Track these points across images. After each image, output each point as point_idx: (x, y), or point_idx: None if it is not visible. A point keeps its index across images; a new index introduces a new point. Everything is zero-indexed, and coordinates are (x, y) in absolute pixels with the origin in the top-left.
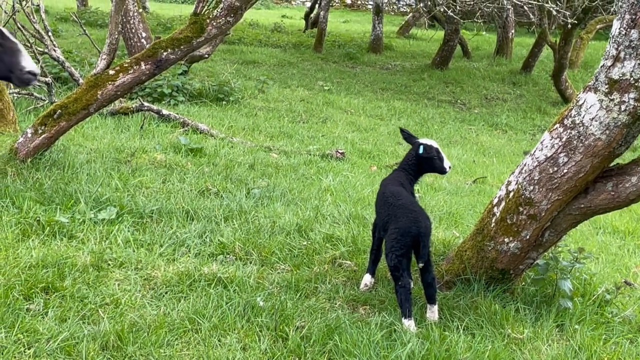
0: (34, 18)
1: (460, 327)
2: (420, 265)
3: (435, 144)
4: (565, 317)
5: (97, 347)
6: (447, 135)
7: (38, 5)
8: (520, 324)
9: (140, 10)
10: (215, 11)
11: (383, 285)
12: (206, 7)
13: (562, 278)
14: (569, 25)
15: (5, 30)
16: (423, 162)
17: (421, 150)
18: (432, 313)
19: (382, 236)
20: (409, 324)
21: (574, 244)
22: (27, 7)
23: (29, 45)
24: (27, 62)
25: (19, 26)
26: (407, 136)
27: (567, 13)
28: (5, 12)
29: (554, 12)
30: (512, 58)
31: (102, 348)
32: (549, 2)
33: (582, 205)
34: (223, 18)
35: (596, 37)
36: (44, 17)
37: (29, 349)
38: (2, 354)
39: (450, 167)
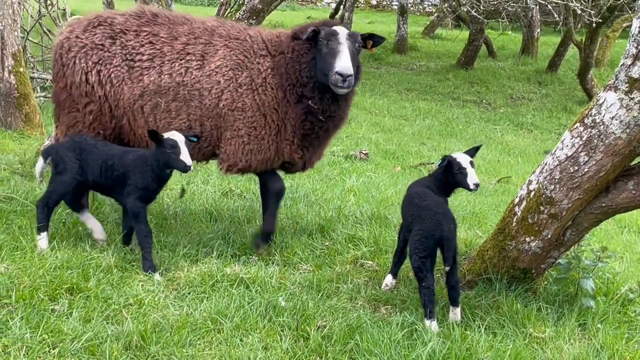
0: (60, 22)
1: (481, 326)
2: (447, 268)
3: (462, 158)
4: (587, 316)
5: (120, 347)
6: (472, 135)
7: (64, 10)
8: (542, 323)
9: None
10: (238, 14)
11: (405, 285)
12: (229, 10)
13: (585, 277)
14: (594, 24)
15: (340, 31)
16: (448, 173)
17: (439, 161)
18: (455, 315)
19: (406, 237)
20: (431, 324)
21: (597, 243)
22: (54, 11)
23: None
24: (339, 62)
25: (45, 30)
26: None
27: (592, 12)
28: (31, 16)
29: (579, 11)
30: (538, 57)
31: (126, 348)
32: (574, 1)
33: (604, 204)
34: (245, 20)
35: (622, 36)
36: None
37: (53, 348)
38: (28, 353)
39: (476, 185)
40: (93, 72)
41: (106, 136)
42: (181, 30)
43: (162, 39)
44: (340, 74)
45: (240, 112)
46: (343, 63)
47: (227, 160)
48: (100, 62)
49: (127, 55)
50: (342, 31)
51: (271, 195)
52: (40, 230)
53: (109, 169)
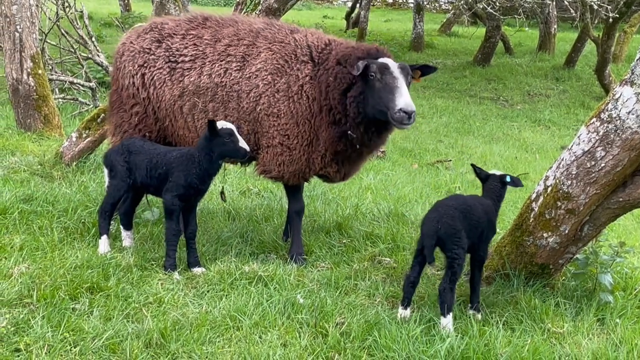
0: (77, 24)
1: (499, 322)
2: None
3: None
4: (606, 311)
5: (141, 345)
6: (489, 132)
7: (81, 12)
8: (560, 318)
9: (182, 13)
10: (254, 14)
11: (422, 281)
12: (244, 10)
13: (603, 272)
14: (611, 19)
15: (391, 64)
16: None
17: (508, 179)
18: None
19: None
20: (402, 311)
21: (615, 238)
22: (71, 13)
23: (72, 50)
24: (400, 99)
25: (63, 32)
26: (479, 171)
27: (609, 7)
28: (49, 18)
29: (596, 7)
30: (555, 53)
31: (146, 346)
32: None
33: (621, 199)
34: None
35: None
36: (87, 23)
37: (75, 347)
38: (50, 352)
39: None
40: (138, 75)
41: (152, 138)
42: (225, 32)
43: (206, 41)
44: (405, 111)
45: (275, 118)
46: (405, 99)
47: (263, 166)
48: (145, 65)
49: (170, 57)
50: (392, 64)
51: (291, 214)
52: (100, 235)
53: (153, 168)
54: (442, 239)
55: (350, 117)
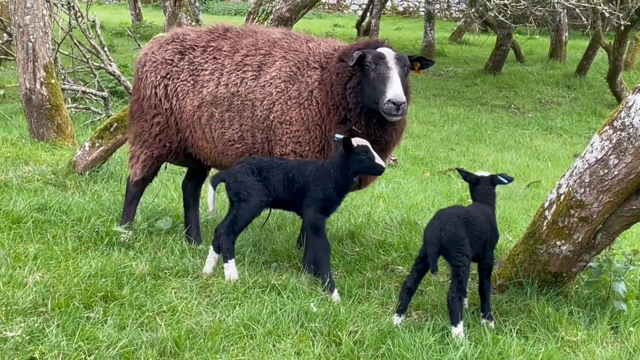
0: (90, 34)
1: (513, 330)
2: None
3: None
4: (619, 319)
5: (155, 353)
6: (501, 140)
7: (94, 21)
8: (573, 326)
9: (194, 23)
10: (266, 23)
11: (435, 289)
12: (256, 19)
13: (616, 280)
14: (623, 27)
15: (387, 53)
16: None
17: (499, 178)
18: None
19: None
20: (396, 318)
21: (629, 246)
22: (83, 23)
23: (85, 60)
24: (390, 90)
25: (76, 42)
26: (466, 174)
27: (621, 15)
28: (62, 28)
29: (607, 14)
30: (566, 61)
31: (160, 354)
32: (602, 4)
33: (634, 207)
34: None
35: None
36: (99, 32)
37: (89, 355)
38: None
39: None
40: (160, 86)
41: (172, 148)
42: (244, 43)
43: (225, 53)
44: (394, 102)
45: (287, 125)
46: (395, 90)
47: None
48: (168, 76)
49: (194, 71)
50: (389, 54)
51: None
52: (227, 258)
53: (290, 183)
54: (445, 247)
55: (351, 110)
